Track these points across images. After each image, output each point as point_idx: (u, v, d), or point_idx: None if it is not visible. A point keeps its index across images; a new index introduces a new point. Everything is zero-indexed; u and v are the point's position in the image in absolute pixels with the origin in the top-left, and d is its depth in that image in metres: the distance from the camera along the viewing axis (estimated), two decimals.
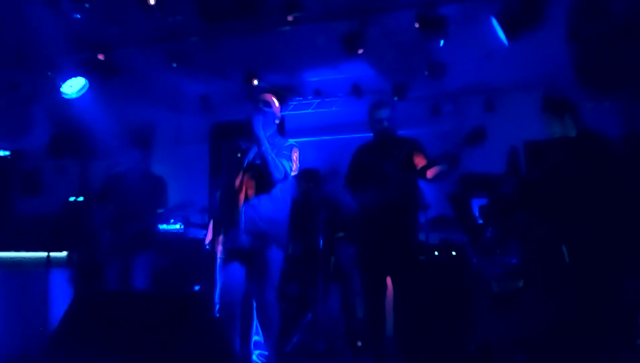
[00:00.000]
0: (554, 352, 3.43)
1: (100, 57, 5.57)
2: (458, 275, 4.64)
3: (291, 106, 7.40)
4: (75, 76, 5.67)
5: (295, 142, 4.01)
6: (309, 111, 7.47)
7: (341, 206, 4.22)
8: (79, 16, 4.72)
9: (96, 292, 4.28)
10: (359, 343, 4.97)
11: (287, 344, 4.95)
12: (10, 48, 5.67)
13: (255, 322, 3.85)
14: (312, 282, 5.03)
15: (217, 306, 3.71)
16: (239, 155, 3.85)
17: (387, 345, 4.08)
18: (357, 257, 4.16)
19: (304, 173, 5.46)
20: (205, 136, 7.81)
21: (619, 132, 3.94)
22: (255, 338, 3.86)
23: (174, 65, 5.66)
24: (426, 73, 5.89)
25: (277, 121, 3.98)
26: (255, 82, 6.22)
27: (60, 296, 4.93)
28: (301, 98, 7.35)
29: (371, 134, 4.24)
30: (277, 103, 3.99)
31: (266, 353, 3.78)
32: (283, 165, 3.74)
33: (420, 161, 3.90)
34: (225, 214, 3.79)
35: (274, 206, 3.80)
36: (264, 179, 3.72)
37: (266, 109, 3.89)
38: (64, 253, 5.15)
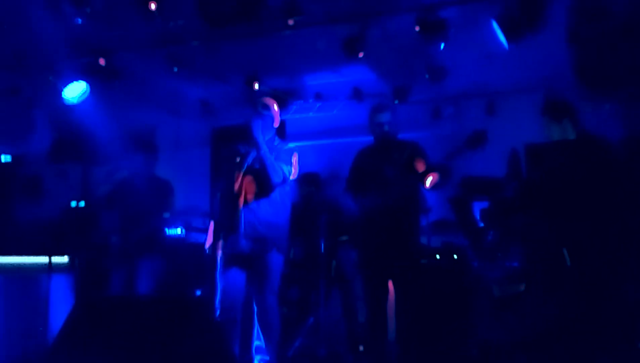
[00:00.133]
0: (555, 354, 3.42)
1: (101, 61, 5.58)
2: (459, 278, 4.63)
3: (292, 110, 7.40)
4: (76, 81, 5.67)
5: (296, 146, 4.01)
6: (310, 114, 7.47)
7: (343, 209, 4.23)
8: (80, 21, 4.73)
9: (98, 297, 4.28)
10: (361, 348, 4.96)
11: (289, 349, 4.94)
12: (11, 52, 5.68)
13: (256, 327, 3.85)
14: (314, 286, 5.03)
15: (218, 311, 3.71)
16: (238, 159, 3.85)
17: (389, 349, 4.07)
18: (359, 261, 4.15)
19: (304, 177, 5.46)
20: (206, 140, 7.81)
21: (619, 134, 3.94)
22: (256, 343, 3.86)
23: (175, 69, 5.67)
24: (427, 76, 5.89)
25: (276, 125, 3.98)
26: (256, 86, 6.23)
27: (62, 301, 4.93)
28: (302, 102, 7.35)
29: (372, 138, 4.24)
30: (276, 107, 3.99)
31: (267, 358, 3.78)
32: (282, 169, 3.74)
33: (420, 167, 3.91)
34: (224, 219, 3.79)
35: (274, 210, 3.80)
36: (262, 183, 3.72)
37: (265, 112, 3.89)
38: (66, 258, 5.15)
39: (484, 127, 3.81)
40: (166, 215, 4.96)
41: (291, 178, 3.88)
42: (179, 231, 5.87)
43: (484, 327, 4.29)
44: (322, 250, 4.82)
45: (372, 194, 4.00)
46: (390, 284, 4.06)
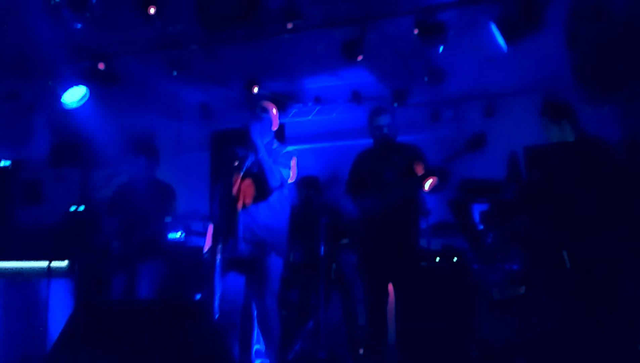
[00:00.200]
0: (556, 357, 3.41)
1: (101, 66, 5.57)
2: (459, 281, 4.63)
3: (291, 113, 7.40)
4: (75, 85, 5.67)
5: (296, 149, 4.01)
6: (309, 117, 7.48)
7: (342, 212, 4.23)
8: (79, 25, 4.73)
9: (97, 301, 4.27)
10: (361, 351, 4.95)
11: (289, 352, 4.94)
12: (10, 57, 5.68)
13: (256, 330, 3.84)
14: (314, 289, 5.02)
15: (217, 315, 3.70)
16: (236, 163, 3.85)
17: (389, 352, 4.07)
18: (359, 264, 4.15)
19: (303, 180, 5.46)
20: (205, 144, 7.82)
21: (618, 136, 3.94)
22: (256, 346, 3.86)
23: (174, 73, 5.67)
24: (426, 79, 5.89)
25: (274, 128, 3.98)
26: (256, 89, 6.23)
27: (62, 305, 4.92)
28: (301, 105, 7.36)
29: (371, 141, 4.25)
30: (275, 110, 3.99)
31: (268, 361, 3.77)
32: (280, 173, 3.74)
33: (419, 170, 3.92)
34: (223, 223, 3.78)
35: (272, 213, 3.79)
36: (261, 186, 3.72)
37: (264, 115, 3.89)
38: (65, 263, 5.15)
39: (483, 129, 3.82)
40: (168, 219, 4.96)
41: (289, 181, 3.88)
42: (178, 235, 5.87)
43: (484, 329, 4.29)
44: (322, 253, 4.82)
45: (371, 197, 4.00)
46: (390, 287, 4.06)
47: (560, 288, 3.50)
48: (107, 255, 4.92)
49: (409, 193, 3.99)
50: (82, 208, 5.88)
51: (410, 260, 4.02)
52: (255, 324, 3.84)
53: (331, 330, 5.00)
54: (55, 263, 5.05)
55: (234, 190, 3.79)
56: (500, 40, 4.65)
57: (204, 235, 4.02)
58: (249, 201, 3.77)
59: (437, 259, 4.89)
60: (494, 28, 4.64)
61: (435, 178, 3.83)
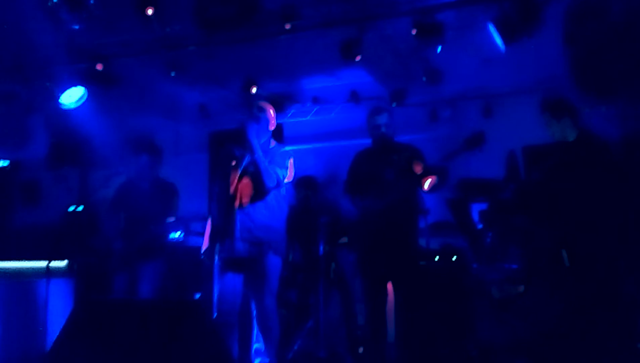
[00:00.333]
0: (555, 356, 3.42)
1: (99, 67, 5.58)
2: (458, 280, 4.64)
3: (289, 114, 7.41)
4: (73, 86, 5.67)
5: (294, 149, 4.02)
6: (308, 118, 7.48)
7: (341, 212, 4.24)
8: (77, 27, 4.73)
9: (97, 301, 4.27)
10: (361, 350, 4.96)
11: (288, 351, 4.94)
12: (9, 58, 5.68)
13: (255, 330, 3.84)
14: (313, 289, 5.03)
15: (215, 314, 3.70)
16: (233, 162, 3.85)
17: (389, 351, 4.07)
18: (358, 263, 4.16)
19: (301, 180, 5.46)
20: (204, 144, 7.82)
21: (616, 136, 3.96)
22: (256, 345, 3.85)
23: (172, 74, 5.67)
24: (424, 79, 5.91)
25: (271, 128, 3.98)
26: (254, 90, 6.24)
27: (61, 305, 4.92)
28: (299, 105, 7.36)
29: (370, 141, 4.25)
30: (272, 110, 3.99)
31: (267, 360, 3.77)
32: (276, 173, 3.74)
33: (418, 169, 3.92)
34: (220, 222, 3.79)
35: (270, 213, 3.80)
36: (258, 186, 3.73)
37: (261, 115, 3.90)
38: (64, 263, 5.15)
39: (481, 129, 3.83)
40: (171, 220, 4.95)
41: (286, 181, 3.88)
42: (177, 234, 5.87)
43: (483, 328, 4.30)
44: (321, 253, 4.82)
45: (370, 196, 4.00)
46: (390, 286, 4.07)
47: (560, 287, 3.51)
48: (108, 254, 4.92)
49: (407, 192, 4.00)
50: (80, 208, 5.88)
51: (409, 259, 4.03)
52: (255, 323, 3.84)
53: (331, 329, 5.00)
54: (55, 263, 5.05)
55: (232, 190, 3.79)
56: (498, 40, 4.67)
57: (203, 234, 4.02)
58: (246, 200, 3.78)
59: (437, 258, 4.90)
60: (492, 28, 4.66)
61: (434, 177, 3.84)
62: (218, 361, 3.12)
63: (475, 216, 4.78)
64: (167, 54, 5.60)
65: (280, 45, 5.43)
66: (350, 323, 5.09)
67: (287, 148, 4.04)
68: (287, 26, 4.82)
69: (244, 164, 3.84)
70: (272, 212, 3.83)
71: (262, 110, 3.94)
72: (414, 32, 4.78)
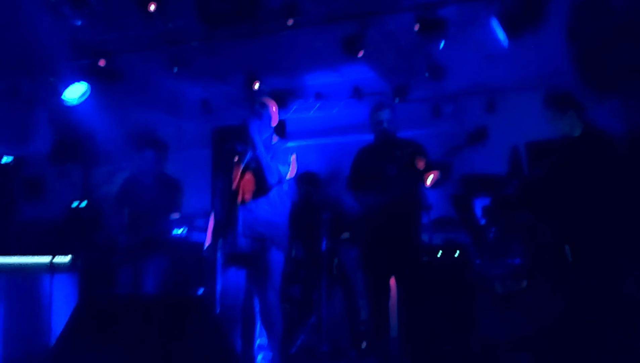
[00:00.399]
0: (558, 351, 3.43)
1: (102, 62, 5.58)
2: (461, 275, 4.64)
3: (292, 109, 7.41)
4: (76, 82, 5.68)
5: (297, 145, 4.02)
6: (310, 114, 7.48)
7: (344, 207, 4.24)
8: (79, 22, 4.73)
9: (100, 296, 4.28)
10: (363, 345, 4.97)
11: (291, 346, 4.95)
12: (11, 54, 5.69)
13: (258, 325, 3.85)
14: (316, 284, 5.04)
15: (218, 309, 3.71)
16: (236, 158, 3.85)
17: (392, 346, 4.08)
18: (361, 258, 4.16)
19: (302, 176, 5.46)
20: (206, 140, 7.82)
21: (620, 131, 3.95)
22: (258, 340, 3.86)
23: (175, 70, 5.67)
24: (427, 74, 5.90)
25: (274, 124, 3.98)
26: (256, 86, 6.24)
27: (65, 300, 4.93)
28: (302, 101, 7.36)
29: (372, 136, 4.25)
30: (274, 106, 3.99)
31: (270, 355, 3.78)
32: (278, 169, 3.74)
33: (420, 165, 3.92)
34: (223, 218, 3.79)
35: (272, 208, 3.80)
36: (260, 182, 3.73)
37: (263, 111, 3.90)
38: (68, 258, 5.16)
39: (484, 124, 3.82)
40: (175, 216, 4.96)
41: (288, 177, 3.88)
42: (181, 230, 5.88)
43: (486, 323, 4.30)
44: (324, 248, 4.83)
45: (373, 192, 4.01)
46: (392, 281, 4.07)
47: (562, 282, 3.51)
48: (111, 249, 4.93)
49: (410, 188, 4.00)
50: (84, 203, 5.89)
51: (412, 255, 4.03)
52: (258, 318, 3.85)
53: (333, 324, 5.01)
54: (58, 258, 5.06)
55: (234, 186, 3.79)
56: (501, 36, 4.66)
57: (206, 230, 4.03)
58: (248, 196, 3.78)
59: (439, 254, 4.90)
60: (495, 24, 4.65)
61: (437, 173, 3.84)
62: (221, 356, 3.13)
63: (478, 211, 4.78)
64: (169, 50, 5.60)
65: (282, 41, 5.43)
66: (353, 319, 5.11)
67: (290, 144, 4.04)
68: (290, 22, 4.81)
69: (246, 160, 3.84)
70: (275, 208, 3.83)
71: (264, 106, 3.94)
72: (416, 27, 4.78)
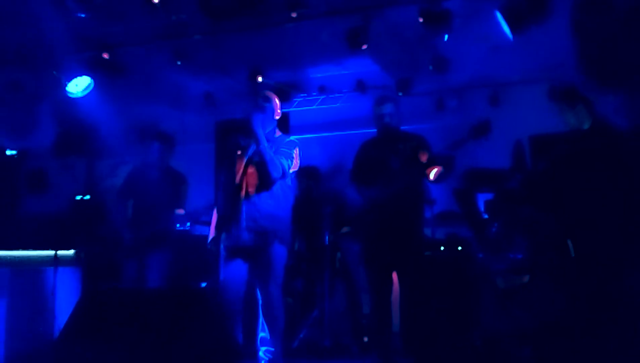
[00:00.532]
0: (560, 346, 3.43)
1: (105, 55, 5.58)
2: (464, 270, 4.64)
3: (295, 103, 7.39)
4: (80, 75, 5.68)
5: (300, 138, 4.01)
6: (314, 107, 7.46)
7: (346, 201, 4.24)
8: (83, 15, 4.73)
9: (104, 289, 4.31)
10: (366, 339, 4.98)
11: (294, 340, 4.97)
12: (15, 47, 5.69)
13: (261, 319, 3.86)
14: (318, 278, 5.04)
15: (220, 302, 3.72)
16: (239, 152, 3.85)
17: (394, 340, 4.08)
18: (363, 253, 4.16)
19: (303, 170, 5.45)
20: (210, 134, 7.82)
21: (624, 125, 3.93)
22: (261, 334, 3.87)
23: (178, 63, 5.67)
24: (430, 68, 5.87)
25: (277, 117, 3.98)
26: (260, 79, 6.23)
27: (68, 294, 4.95)
28: (305, 95, 7.35)
29: (376, 130, 4.25)
30: (277, 99, 3.98)
31: (272, 349, 3.79)
32: (281, 163, 3.73)
33: (424, 159, 3.91)
34: (226, 211, 3.79)
35: (275, 202, 3.80)
36: (263, 176, 3.73)
37: (266, 104, 3.89)
38: (72, 251, 5.18)
39: (488, 117, 3.80)
40: (181, 213, 4.97)
41: (292, 171, 3.87)
42: (184, 224, 5.89)
43: (488, 318, 4.30)
44: (327, 243, 4.83)
45: (376, 186, 4.00)
46: (395, 276, 4.07)
47: (565, 278, 3.50)
48: (115, 242, 4.94)
49: (413, 181, 3.99)
50: (87, 197, 5.91)
51: (414, 249, 4.03)
52: (260, 312, 3.86)
53: (336, 318, 5.02)
54: (62, 252, 5.08)
55: (237, 179, 3.79)
56: (506, 28, 4.63)
57: (209, 224, 4.04)
58: (252, 190, 3.78)
59: (442, 248, 4.90)
60: (500, 16, 4.62)
61: (440, 167, 3.83)
62: (224, 348, 3.15)
63: (481, 206, 4.77)
64: (173, 43, 5.60)
65: (286, 34, 5.42)
66: (356, 313, 5.11)
67: (293, 138, 4.03)
68: (293, 15, 4.80)
69: (249, 153, 3.84)
70: (278, 201, 3.83)
71: (268, 100, 3.94)
72: (420, 20, 4.75)
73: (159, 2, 4.63)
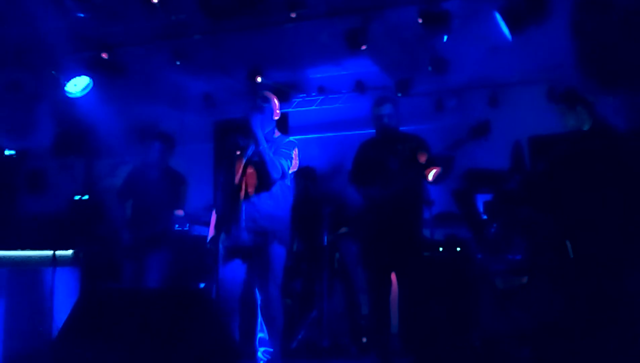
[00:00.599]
0: (559, 347, 3.42)
1: (104, 55, 5.58)
2: (463, 270, 4.64)
3: (295, 103, 7.39)
4: (79, 75, 5.68)
5: (299, 139, 4.01)
6: (313, 107, 7.47)
7: (344, 202, 4.23)
8: (82, 15, 4.73)
9: (102, 290, 4.30)
10: (364, 340, 4.98)
11: (292, 341, 4.96)
12: (14, 47, 5.69)
13: (259, 319, 3.86)
14: (317, 278, 5.04)
15: (217, 301, 3.72)
16: (238, 152, 3.85)
17: (392, 341, 4.08)
18: (362, 253, 4.16)
19: (299, 171, 5.45)
20: (209, 134, 7.82)
21: (623, 127, 3.93)
22: (260, 335, 3.87)
23: (178, 63, 5.67)
24: (430, 68, 5.88)
25: (276, 118, 3.98)
26: (259, 79, 6.23)
27: (66, 294, 4.95)
28: (305, 95, 7.35)
29: (374, 131, 4.25)
30: (276, 100, 3.98)
31: (271, 350, 3.79)
32: (281, 164, 3.73)
33: (423, 160, 3.91)
34: (225, 211, 3.79)
35: (274, 203, 3.80)
36: (263, 176, 3.73)
37: (265, 105, 3.89)
38: (70, 251, 5.17)
39: (487, 118, 3.80)
40: (181, 214, 4.96)
41: (291, 171, 3.87)
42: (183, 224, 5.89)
43: (487, 319, 4.30)
44: (326, 243, 4.83)
45: (375, 186, 4.00)
46: (393, 276, 4.07)
47: (564, 278, 3.50)
48: (114, 243, 4.94)
49: (412, 182, 3.99)
50: (86, 196, 5.90)
51: (413, 250, 4.03)
52: (259, 312, 3.86)
53: (334, 319, 5.02)
54: (60, 252, 5.07)
55: (237, 179, 3.79)
56: (505, 29, 4.63)
57: (208, 224, 4.04)
58: (251, 190, 3.78)
59: (441, 249, 4.90)
60: (499, 17, 4.62)
61: (439, 168, 3.83)
62: (222, 349, 3.14)
63: (480, 207, 4.77)
64: (172, 43, 5.60)
65: (285, 34, 5.42)
66: (354, 313, 5.11)
67: (292, 138, 4.03)
68: (293, 15, 4.80)
69: (248, 153, 3.83)
70: (277, 202, 3.83)
71: (267, 100, 3.93)
72: (419, 21, 4.75)
73: (159, 2, 4.63)
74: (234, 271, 3.77)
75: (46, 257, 4.97)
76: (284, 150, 3.82)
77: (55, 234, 5.28)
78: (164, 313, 3.15)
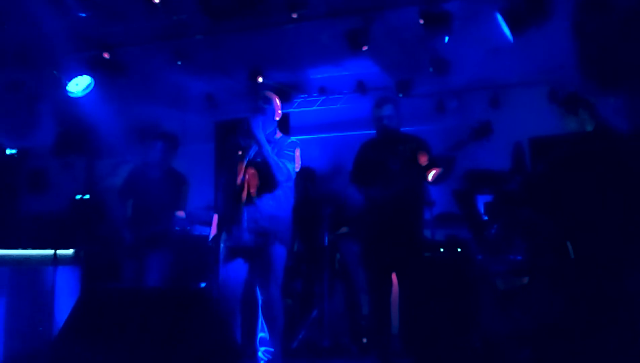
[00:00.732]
0: (559, 347, 3.43)
1: (106, 55, 5.59)
2: (463, 271, 4.64)
3: (296, 104, 7.40)
4: (80, 75, 5.68)
5: (300, 139, 4.01)
6: (314, 108, 7.47)
7: (344, 202, 4.24)
8: (83, 15, 4.73)
9: (103, 289, 4.31)
10: (365, 340, 4.98)
11: (293, 341, 4.97)
12: (15, 47, 5.69)
13: (260, 319, 3.86)
14: (318, 279, 5.05)
15: (218, 301, 3.72)
16: (239, 152, 3.85)
17: (393, 341, 4.09)
18: (363, 254, 4.16)
19: (300, 172, 5.46)
20: (210, 134, 7.82)
21: (624, 128, 3.93)
22: (260, 334, 3.87)
23: (179, 63, 5.68)
24: (431, 70, 5.88)
25: (277, 118, 3.98)
26: (260, 79, 6.23)
27: (67, 293, 4.95)
28: (306, 95, 7.35)
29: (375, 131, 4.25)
30: (277, 100, 3.98)
31: (272, 349, 3.79)
32: (286, 167, 3.73)
33: (423, 161, 3.91)
34: (227, 212, 3.79)
35: (276, 203, 3.80)
36: (266, 179, 3.73)
37: (266, 106, 3.89)
38: (71, 251, 5.18)
39: (488, 119, 3.81)
40: (182, 216, 4.96)
41: (294, 173, 3.88)
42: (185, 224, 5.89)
43: (488, 320, 4.30)
44: (326, 243, 4.84)
45: (375, 187, 4.00)
46: (394, 277, 4.07)
47: (564, 279, 3.50)
48: (115, 242, 4.94)
49: (412, 183, 3.99)
50: (87, 196, 5.91)
51: (414, 250, 4.03)
52: (260, 312, 3.86)
53: (335, 319, 5.02)
54: (61, 251, 5.08)
55: (238, 180, 3.79)
56: (506, 30, 4.64)
57: (210, 224, 4.04)
58: (253, 191, 3.78)
59: (441, 249, 4.90)
60: (500, 18, 4.63)
61: (439, 169, 3.83)
62: (223, 349, 3.15)
63: (481, 207, 4.77)
64: (173, 43, 5.60)
65: (286, 34, 5.42)
66: (355, 314, 5.12)
67: (293, 139, 4.03)
68: (294, 15, 4.80)
69: (250, 154, 3.84)
70: (279, 202, 3.83)
71: (268, 101, 3.93)
72: (421, 22, 4.76)
73: (160, 2, 4.63)
74: (235, 271, 3.77)
75: (47, 256, 4.97)
76: (287, 152, 3.82)
77: (56, 233, 5.29)
78: (164, 312, 3.15)
